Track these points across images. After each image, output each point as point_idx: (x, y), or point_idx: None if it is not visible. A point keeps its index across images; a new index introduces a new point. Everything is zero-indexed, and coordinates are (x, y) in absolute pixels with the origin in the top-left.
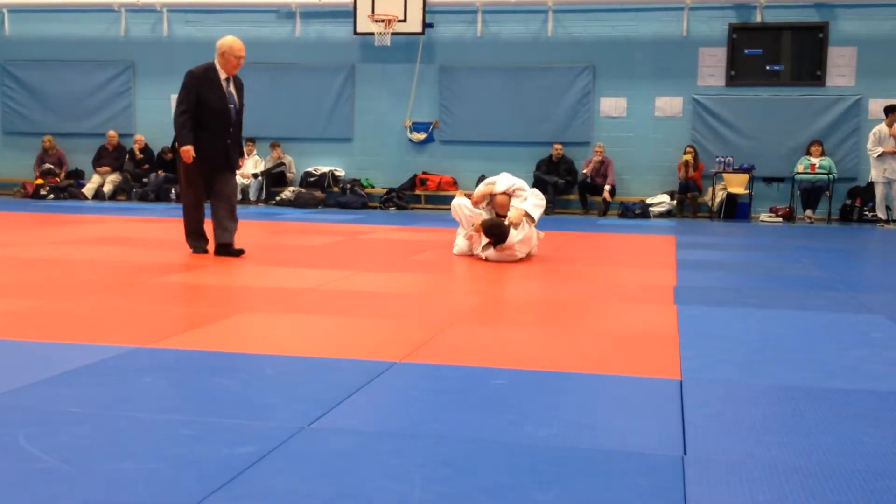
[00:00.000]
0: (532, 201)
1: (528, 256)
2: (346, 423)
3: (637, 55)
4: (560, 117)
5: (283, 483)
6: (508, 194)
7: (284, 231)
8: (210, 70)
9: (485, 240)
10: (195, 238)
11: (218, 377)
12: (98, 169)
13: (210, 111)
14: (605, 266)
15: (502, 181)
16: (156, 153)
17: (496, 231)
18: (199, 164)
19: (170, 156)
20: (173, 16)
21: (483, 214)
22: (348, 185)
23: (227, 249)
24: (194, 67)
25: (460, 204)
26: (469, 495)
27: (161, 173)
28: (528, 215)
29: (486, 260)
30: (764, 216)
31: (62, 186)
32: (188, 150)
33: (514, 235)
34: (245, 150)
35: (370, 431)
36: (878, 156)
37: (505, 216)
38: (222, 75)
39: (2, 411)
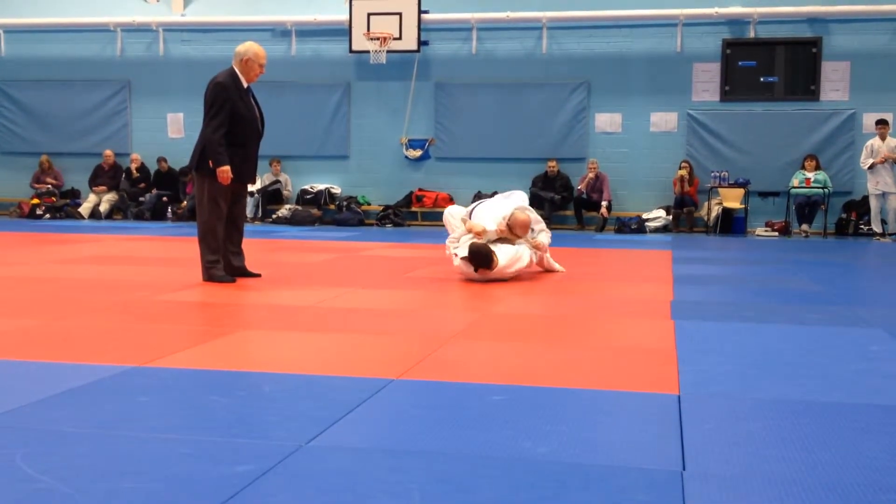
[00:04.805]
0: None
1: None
2: (344, 440)
3: (631, 71)
4: (555, 133)
5: (282, 501)
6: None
7: (281, 249)
8: (235, 78)
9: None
10: (221, 264)
11: (215, 395)
12: (94, 188)
13: (242, 124)
14: (602, 281)
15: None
16: (152, 171)
17: (478, 258)
18: (230, 183)
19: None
20: (169, 35)
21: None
22: (344, 203)
23: (243, 272)
24: (220, 77)
25: (451, 213)
26: None
27: (155, 191)
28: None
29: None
30: (760, 230)
31: (58, 206)
32: (227, 171)
33: (506, 264)
34: None
35: (369, 448)
36: (870, 168)
37: (515, 236)
38: (243, 84)
39: None
